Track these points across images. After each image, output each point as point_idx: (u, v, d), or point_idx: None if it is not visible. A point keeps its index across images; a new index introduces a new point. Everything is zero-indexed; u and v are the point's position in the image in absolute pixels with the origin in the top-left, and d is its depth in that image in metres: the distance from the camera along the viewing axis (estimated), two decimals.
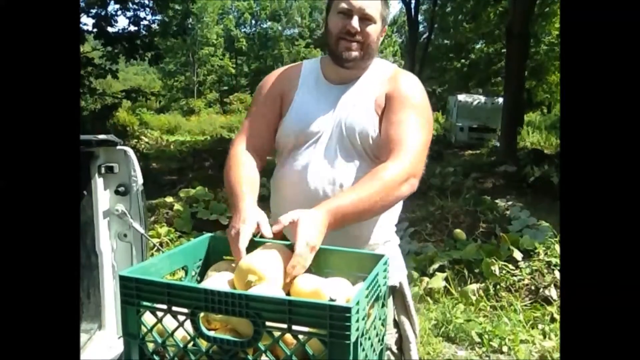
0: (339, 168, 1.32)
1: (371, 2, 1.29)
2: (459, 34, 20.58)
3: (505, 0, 13.52)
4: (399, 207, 1.45)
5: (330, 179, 1.32)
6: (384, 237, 1.43)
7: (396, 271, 1.41)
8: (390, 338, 1.42)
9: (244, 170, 1.30)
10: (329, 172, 1.32)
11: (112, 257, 1.89)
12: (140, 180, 1.84)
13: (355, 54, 1.31)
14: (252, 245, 1.10)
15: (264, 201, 1.26)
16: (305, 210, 1.09)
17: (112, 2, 11.25)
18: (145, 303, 0.90)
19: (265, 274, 1.00)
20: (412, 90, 1.36)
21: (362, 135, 1.32)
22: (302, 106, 1.37)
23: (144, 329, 0.91)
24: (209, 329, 0.91)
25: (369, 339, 0.93)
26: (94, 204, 1.81)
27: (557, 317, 3.04)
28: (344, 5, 1.29)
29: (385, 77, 1.39)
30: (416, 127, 1.31)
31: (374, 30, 1.32)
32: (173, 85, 36.46)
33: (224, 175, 1.33)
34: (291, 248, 1.06)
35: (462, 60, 23.70)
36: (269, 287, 1.04)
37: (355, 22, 1.29)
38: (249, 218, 1.13)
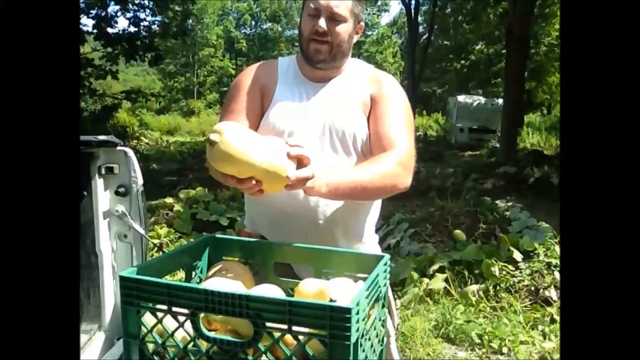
0: (326, 166, 1.31)
1: (340, 1, 1.28)
2: (458, 35, 20.60)
3: (505, 1, 13.53)
4: (378, 208, 1.47)
5: None
6: (364, 238, 1.43)
7: None
8: None
9: None
10: None
11: (112, 257, 1.89)
12: (141, 181, 1.84)
13: (324, 54, 1.32)
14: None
15: (236, 200, 1.25)
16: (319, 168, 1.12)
17: (112, 3, 11.27)
18: (145, 303, 0.90)
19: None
20: (396, 92, 1.39)
21: (352, 136, 1.32)
22: (283, 102, 1.36)
23: (144, 330, 0.91)
24: (209, 330, 0.91)
25: (369, 339, 0.93)
26: (94, 204, 1.81)
27: (557, 318, 3.04)
28: (312, 5, 1.29)
29: (365, 76, 1.40)
30: (405, 126, 1.34)
31: (344, 29, 1.31)
32: (173, 86, 36.42)
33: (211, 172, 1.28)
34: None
35: (462, 62, 23.73)
36: (269, 288, 1.05)
37: (322, 22, 1.28)
38: None
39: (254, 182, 1.03)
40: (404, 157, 1.27)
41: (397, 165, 1.25)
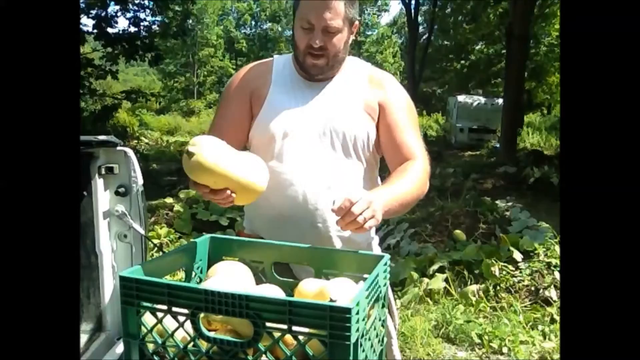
0: (327, 169, 1.30)
1: (333, 13, 1.24)
2: (459, 35, 20.61)
3: (505, 1, 13.53)
4: None
5: (317, 180, 1.30)
6: (363, 241, 1.42)
7: None
8: None
9: None
10: (316, 173, 1.30)
11: (112, 257, 1.89)
12: (140, 181, 1.83)
13: (321, 68, 1.31)
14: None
15: None
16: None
17: (112, 3, 11.25)
18: (145, 304, 0.90)
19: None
20: (401, 94, 1.40)
21: (353, 138, 1.31)
22: (278, 104, 1.33)
23: (144, 330, 0.91)
24: (209, 330, 0.91)
25: (369, 339, 0.93)
26: (94, 204, 1.81)
27: (557, 318, 3.04)
28: (306, 20, 1.26)
29: (364, 76, 1.38)
30: (416, 131, 1.37)
31: (339, 39, 1.29)
32: (173, 86, 36.37)
33: None
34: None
35: (462, 61, 23.73)
36: (269, 288, 1.05)
37: (318, 38, 1.26)
38: None
39: (228, 192, 1.08)
40: (426, 164, 1.32)
41: (424, 173, 1.30)
